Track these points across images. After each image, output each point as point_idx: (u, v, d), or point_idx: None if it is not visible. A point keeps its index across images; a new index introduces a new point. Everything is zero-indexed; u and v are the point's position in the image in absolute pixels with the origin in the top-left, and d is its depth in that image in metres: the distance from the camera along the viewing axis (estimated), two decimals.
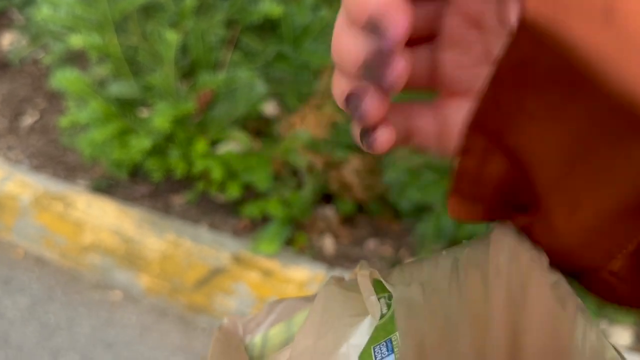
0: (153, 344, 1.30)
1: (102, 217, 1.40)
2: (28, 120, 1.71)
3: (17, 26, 1.93)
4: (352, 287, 0.22)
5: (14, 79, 1.82)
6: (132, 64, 1.32)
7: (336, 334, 0.21)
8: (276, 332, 0.25)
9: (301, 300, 0.25)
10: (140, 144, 1.21)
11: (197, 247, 1.33)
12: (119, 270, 1.37)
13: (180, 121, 1.22)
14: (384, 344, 0.21)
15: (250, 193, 1.35)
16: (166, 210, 1.43)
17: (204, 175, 1.31)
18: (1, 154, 1.61)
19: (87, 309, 1.37)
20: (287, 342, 0.24)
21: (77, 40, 1.31)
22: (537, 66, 0.18)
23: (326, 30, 1.31)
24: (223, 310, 1.30)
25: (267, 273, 1.28)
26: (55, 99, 1.73)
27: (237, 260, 1.30)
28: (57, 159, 1.57)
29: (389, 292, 0.21)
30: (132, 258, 1.36)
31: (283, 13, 1.31)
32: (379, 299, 0.21)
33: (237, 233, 1.38)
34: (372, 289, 0.22)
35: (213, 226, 1.39)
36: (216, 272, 1.30)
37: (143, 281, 1.35)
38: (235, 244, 1.33)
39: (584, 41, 0.17)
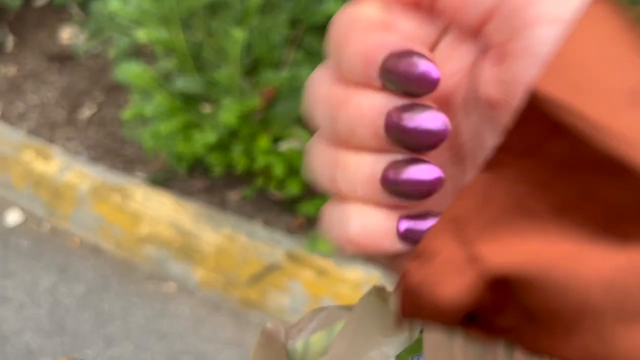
0: (206, 337, 1.31)
1: (160, 209, 1.42)
2: (86, 112, 1.74)
3: (76, 21, 1.97)
4: (392, 299, 0.23)
5: (73, 72, 1.86)
6: (197, 60, 1.34)
7: (368, 343, 0.22)
8: (317, 339, 0.25)
9: (343, 309, 0.26)
10: (205, 138, 1.23)
11: (252, 242, 1.34)
12: (174, 263, 1.39)
13: (244, 117, 1.23)
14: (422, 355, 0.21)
15: (308, 192, 1.36)
16: (222, 205, 1.44)
17: (264, 172, 1.32)
18: (60, 144, 1.64)
19: (142, 299, 1.39)
20: (327, 350, 0.25)
21: (144, 35, 1.33)
22: (549, 154, 0.16)
23: None
24: (276, 307, 1.30)
25: (321, 272, 1.28)
26: (113, 92, 1.76)
27: (292, 257, 1.31)
28: (114, 152, 1.60)
29: None
30: (187, 251, 1.38)
31: None
32: None
33: (290, 231, 1.38)
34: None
35: (267, 223, 1.40)
36: (271, 269, 1.31)
37: (198, 274, 1.37)
38: (289, 242, 1.34)
39: (606, 123, 0.15)
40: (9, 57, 1.96)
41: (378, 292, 0.23)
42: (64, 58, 1.90)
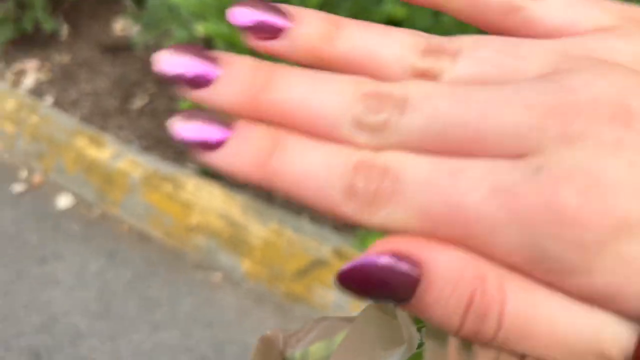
0: (251, 328, 1.33)
1: (210, 200, 1.44)
2: (138, 103, 1.77)
3: (130, 13, 2.01)
4: (392, 312, 0.23)
5: (125, 63, 1.90)
6: (255, 55, 1.36)
7: (370, 356, 0.22)
8: (316, 349, 0.25)
9: (344, 321, 0.26)
10: None
11: (299, 237, 1.36)
12: (221, 253, 1.41)
13: None
14: None
15: None
16: (269, 199, 1.46)
17: None
18: (112, 132, 1.68)
19: (188, 287, 1.41)
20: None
21: (204, 28, 1.36)
22: None
23: (449, 36, 1.32)
24: (321, 303, 1.32)
25: None
26: (164, 84, 1.79)
27: (339, 254, 1.32)
28: (166, 142, 1.63)
29: (423, 323, 0.22)
30: (235, 242, 1.40)
31: (407, 15, 1.33)
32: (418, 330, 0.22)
33: (337, 227, 1.40)
34: (410, 319, 0.22)
35: (313, 219, 1.42)
36: (317, 264, 1.33)
37: (244, 266, 1.39)
38: (337, 238, 1.35)
39: None
40: (63, 45, 2.01)
41: (379, 305, 0.23)
42: (116, 49, 1.94)
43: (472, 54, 0.16)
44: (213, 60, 0.16)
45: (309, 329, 0.26)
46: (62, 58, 1.96)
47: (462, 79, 0.16)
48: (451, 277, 0.14)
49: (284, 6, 0.17)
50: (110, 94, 1.81)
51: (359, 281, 0.15)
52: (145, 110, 1.74)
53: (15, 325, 1.38)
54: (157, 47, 1.86)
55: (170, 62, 0.16)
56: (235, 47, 1.36)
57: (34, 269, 1.48)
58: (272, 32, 0.17)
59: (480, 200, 0.14)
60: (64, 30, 2.05)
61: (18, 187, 1.65)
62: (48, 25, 1.95)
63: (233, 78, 0.16)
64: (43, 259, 1.50)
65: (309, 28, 0.17)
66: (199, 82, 0.16)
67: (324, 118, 0.16)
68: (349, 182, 0.15)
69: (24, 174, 1.68)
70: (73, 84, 1.86)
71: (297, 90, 0.16)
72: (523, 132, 0.14)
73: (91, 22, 2.06)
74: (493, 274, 0.14)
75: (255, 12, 0.17)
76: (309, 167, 0.15)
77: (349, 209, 0.15)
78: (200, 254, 1.44)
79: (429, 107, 0.15)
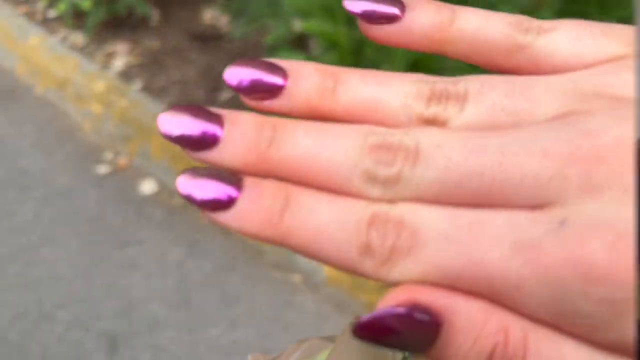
0: (330, 334, 1.31)
1: None
2: (224, 95, 1.77)
3: (219, 4, 2.01)
4: None
5: (213, 53, 1.89)
6: (357, 56, 1.34)
7: None
8: None
9: (326, 340, 0.26)
10: None
11: None
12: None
13: None
14: None
15: None
16: None
17: None
18: None
19: (267, 286, 1.40)
20: None
21: (306, 25, 1.34)
22: None
23: None
24: None
25: None
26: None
27: None
28: None
29: None
30: None
31: None
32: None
33: None
34: None
35: None
36: None
37: (326, 270, 1.36)
38: None
39: None
40: (153, 31, 2.02)
41: None
42: (205, 38, 1.94)
43: (479, 98, 0.16)
44: (216, 119, 0.16)
45: (291, 351, 0.26)
46: (152, 44, 1.97)
47: (471, 125, 0.16)
48: (472, 330, 0.14)
49: (279, 62, 0.17)
50: (198, 84, 1.81)
51: (377, 332, 0.14)
52: (232, 103, 1.74)
53: (95, 307, 1.39)
54: (249, 39, 1.85)
55: (172, 123, 0.16)
56: (337, 45, 1.33)
57: (115, 253, 1.49)
58: (269, 91, 0.17)
59: (503, 256, 0.13)
60: (154, 15, 2.06)
61: (103, 169, 1.67)
62: (141, 9, 1.97)
63: (238, 136, 0.16)
64: (124, 243, 1.51)
65: (306, 83, 0.17)
66: (204, 142, 0.16)
67: (334, 172, 0.15)
68: (364, 239, 0.14)
69: (109, 156, 1.70)
70: (162, 70, 1.87)
71: (304, 145, 0.15)
72: (543, 181, 0.14)
73: (181, 9, 2.07)
74: (516, 326, 0.14)
75: (250, 71, 0.17)
76: (322, 226, 0.15)
77: (366, 267, 0.14)
78: (280, 253, 1.42)
79: (441, 158, 0.15)
